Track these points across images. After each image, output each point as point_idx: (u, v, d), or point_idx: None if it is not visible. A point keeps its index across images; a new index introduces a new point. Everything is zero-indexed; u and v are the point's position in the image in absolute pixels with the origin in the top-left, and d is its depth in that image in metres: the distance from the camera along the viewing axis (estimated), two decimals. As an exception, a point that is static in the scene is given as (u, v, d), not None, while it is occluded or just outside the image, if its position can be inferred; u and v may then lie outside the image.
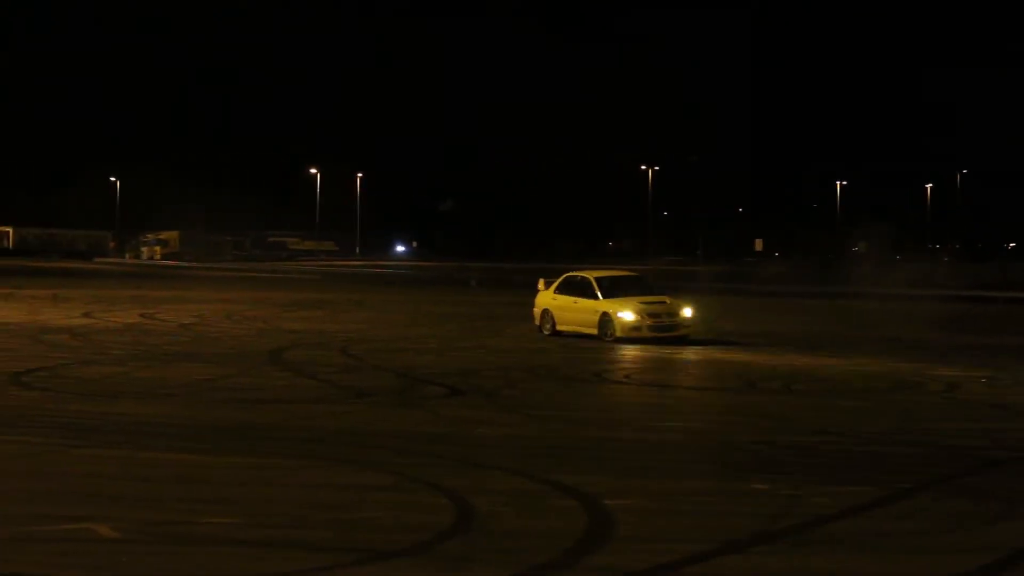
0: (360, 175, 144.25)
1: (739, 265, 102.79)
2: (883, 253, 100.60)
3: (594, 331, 34.11)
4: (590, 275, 36.18)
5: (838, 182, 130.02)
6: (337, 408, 20.01)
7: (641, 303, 34.18)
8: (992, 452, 16.76)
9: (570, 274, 36.86)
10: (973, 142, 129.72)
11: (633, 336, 33.49)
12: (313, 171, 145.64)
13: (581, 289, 35.39)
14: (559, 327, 35.48)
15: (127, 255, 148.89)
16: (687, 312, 34.54)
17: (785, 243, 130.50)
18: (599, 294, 34.64)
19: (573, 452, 16.09)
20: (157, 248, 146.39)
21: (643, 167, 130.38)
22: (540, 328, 36.15)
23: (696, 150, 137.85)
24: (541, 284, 36.97)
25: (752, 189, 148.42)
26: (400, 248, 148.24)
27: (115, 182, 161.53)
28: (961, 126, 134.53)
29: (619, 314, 33.72)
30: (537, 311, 36.70)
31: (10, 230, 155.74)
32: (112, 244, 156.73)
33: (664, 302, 34.80)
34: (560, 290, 36.03)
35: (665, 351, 31.59)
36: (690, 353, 31.21)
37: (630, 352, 31.29)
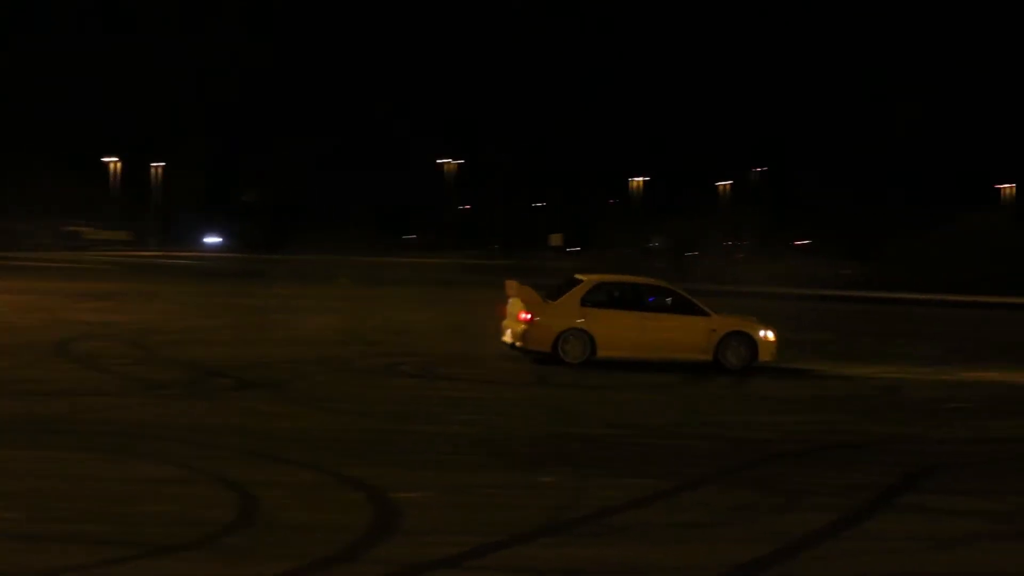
0: (162, 164, 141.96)
1: (535, 260, 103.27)
2: (680, 249, 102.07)
3: (703, 356, 26.70)
4: (657, 283, 29.28)
5: (637, 179, 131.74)
6: (125, 400, 19.62)
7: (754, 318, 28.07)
8: (777, 445, 17.10)
9: (609, 279, 28.62)
10: (767, 140, 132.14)
11: (767, 363, 26.98)
12: (112, 159, 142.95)
13: (633, 300, 27.46)
14: (608, 352, 26.73)
15: None
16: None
17: (584, 239, 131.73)
18: (704, 308, 27.27)
19: (363, 445, 16.03)
20: None
21: (441, 160, 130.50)
22: (557, 352, 26.56)
23: (498, 144, 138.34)
24: (513, 289, 27.90)
25: (552, 184, 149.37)
26: (211, 239, 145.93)
27: None
28: (755, 124, 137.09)
29: (763, 333, 26.96)
30: (540, 331, 26.74)
31: None
32: None
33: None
34: (599, 303, 27.15)
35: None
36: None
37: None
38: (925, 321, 51.09)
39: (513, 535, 11.20)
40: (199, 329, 34.62)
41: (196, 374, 23.30)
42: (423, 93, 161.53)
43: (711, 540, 11.35)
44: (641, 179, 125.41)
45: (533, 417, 19.11)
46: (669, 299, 27.48)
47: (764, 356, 26.68)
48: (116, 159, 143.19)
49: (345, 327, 36.48)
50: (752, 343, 26.51)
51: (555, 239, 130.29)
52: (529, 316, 26.64)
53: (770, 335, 26.78)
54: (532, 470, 14.48)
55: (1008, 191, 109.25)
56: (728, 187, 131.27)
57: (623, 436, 17.57)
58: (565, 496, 13.00)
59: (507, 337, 27.54)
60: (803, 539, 11.32)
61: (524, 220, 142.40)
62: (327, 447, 15.71)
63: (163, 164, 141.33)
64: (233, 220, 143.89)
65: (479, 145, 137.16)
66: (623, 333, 26.81)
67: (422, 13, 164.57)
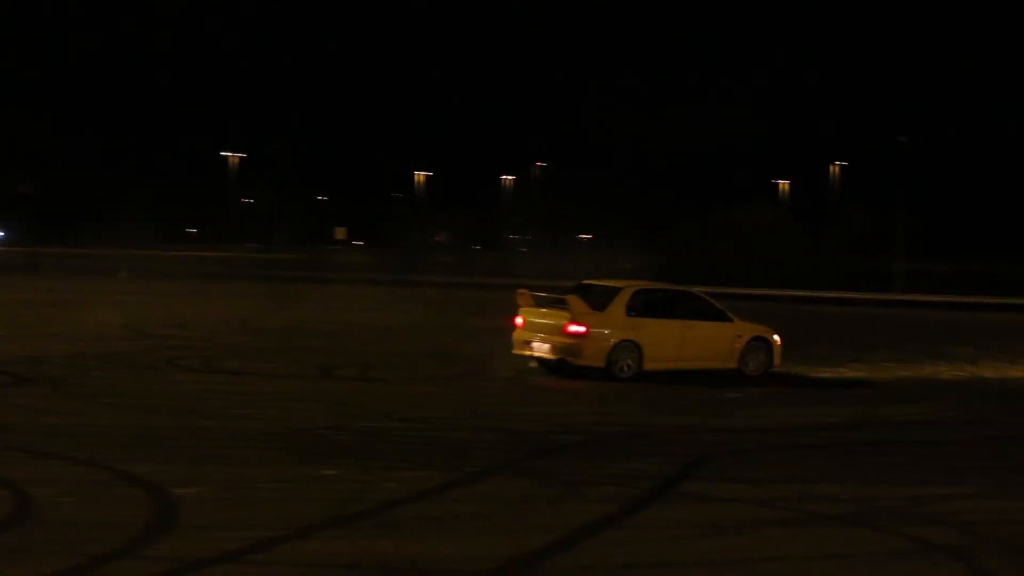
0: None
1: (320, 253, 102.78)
2: (464, 242, 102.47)
3: (729, 364, 25.59)
4: (684, 288, 27.62)
5: (421, 173, 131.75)
6: None
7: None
8: (558, 436, 17.25)
9: (646, 286, 26.34)
10: (550, 135, 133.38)
11: (777, 368, 26.29)
12: None
13: (669, 307, 25.56)
14: (654, 364, 24.76)
15: None
16: None
17: (368, 232, 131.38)
18: (728, 313, 26.24)
19: (143, 441, 15.75)
20: None
21: (223, 153, 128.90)
22: (611, 369, 24.29)
23: (281, 137, 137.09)
24: (524, 298, 25.70)
25: (337, 178, 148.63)
26: None
27: None
28: (540, 119, 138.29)
29: (775, 337, 26.18)
30: (594, 343, 24.30)
31: None
32: None
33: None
34: (640, 312, 25.04)
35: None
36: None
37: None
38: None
39: (295, 529, 11.12)
40: (-29, 324, 33.72)
41: (-32, 370, 22.68)
42: (206, 85, 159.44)
43: (493, 531, 11.40)
44: (425, 174, 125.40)
45: (315, 411, 19.00)
46: (698, 305, 25.86)
47: (776, 361, 25.89)
48: None
49: (125, 321, 35.86)
50: (770, 348, 25.59)
51: (339, 232, 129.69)
52: (583, 328, 23.95)
53: (778, 339, 25.89)
54: (314, 464, 14.39)
55: (784, 187, 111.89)
56: (512, 182, 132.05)
57: (405, 429, 17.57)
58: (347, 489, 12.95)
59: (536, 351, 24.82)
60: (584, 528, 11.43)
61: (308, 214, 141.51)
62: (105, 443, 15.43)
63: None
64: (10, 213, 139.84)
65: (263, 138, 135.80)
66: (668, 343, 24.86)
67: (202, 5, 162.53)
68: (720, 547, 11.10)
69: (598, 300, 24.60)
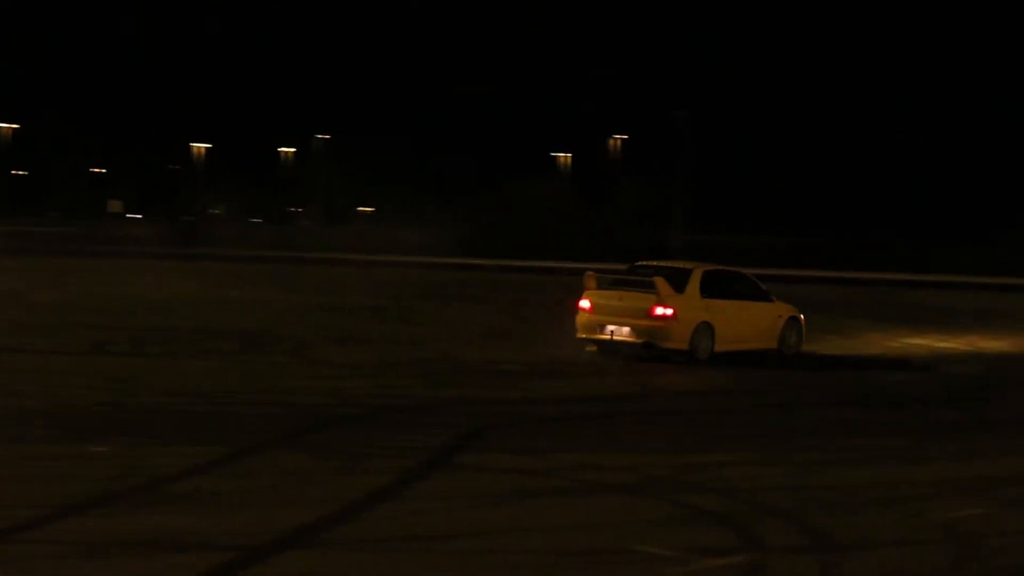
0: None
1: (94, 227, 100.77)
2: (243, 215, 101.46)
3: (771, 344, 25.32)
4: (733, 268, 27.41)
5: (199, 145, 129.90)
6: None
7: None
8: (337, 409, 17.24)
9: (711, 268, 25.78)
10: (329, 111, 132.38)
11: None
12: None
13: (729, 288, 25.28)
14: (724, 346, 24.43)
15: None
16: None
17: (146, 205, 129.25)
18: (770, 293, 26.00)
19: (-93, 419, 15.32)
20: None
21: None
22: (693, 353, 23.74)
23: (54, 108, 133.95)
24: (591, 280, 24.93)
25: (114, 150, 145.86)
26: None
27: None
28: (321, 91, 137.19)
29: (802, 316, 25.98)
30: (680, 326, 23.69)
31: None
32: None
33: None
34: (710, 293, 24.58)
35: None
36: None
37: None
38: (484, 286, 52.34)
39: (67, 507, 10.93)
40: None
41: None
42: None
43: (271, 505, 11.35)
44: (203, 145, 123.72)
45: (90, 387, 18.66)
46: (748, 286, 25.57)
47: (803, 340, 25.61)
48: None
49: None
50: (800, 328, 25.34)
51: (114, 206, 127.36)
52: (672, 311, 23.17)
53: (803, 318, 25.55)
54: (88, 441, 14.14)
55: (564, 160, 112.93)
56: (291, 154, 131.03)
57: (182, 404, 17.36)
58: (121, 466, 12.77)
59: (615, 335, 23.71)
60: (363, 500, 11.46)
61: (84, 186, 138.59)
62: None
63: None
64: None
65: (34, 109, 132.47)
66: (734, 324, 24.39)
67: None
68: (496, 517, 11.22)
69: (672, 282, 23.90)
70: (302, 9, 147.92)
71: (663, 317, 23.32)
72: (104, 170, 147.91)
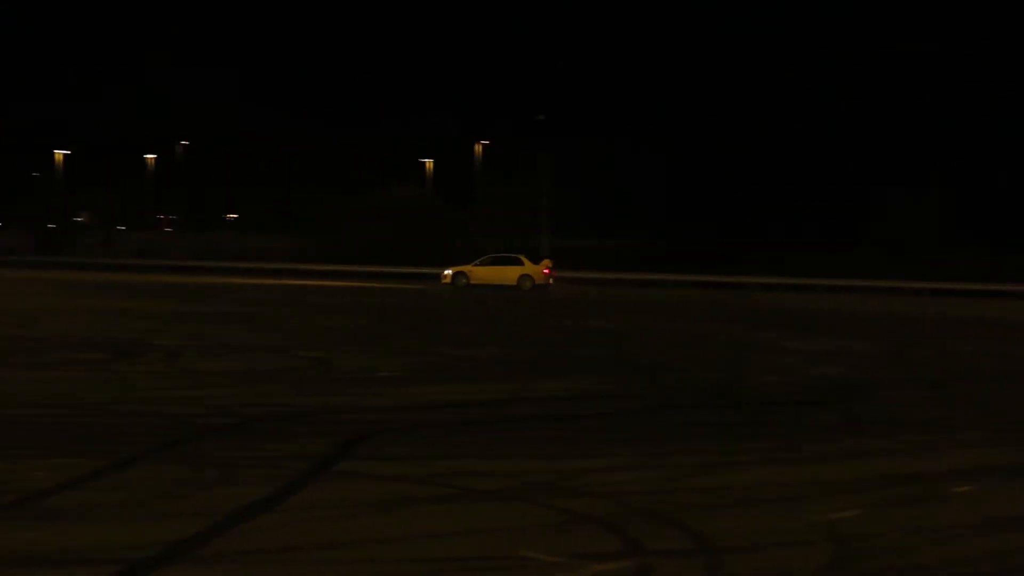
0: None
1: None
2: (108, 223, 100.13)
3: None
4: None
5: (59, 152, 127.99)
6: None
7: None
8: (210, 419, 17.04)
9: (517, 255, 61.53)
10: (189, 115, 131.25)
11: None
12: None
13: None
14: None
15: None
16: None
17: (8, 214, 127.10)
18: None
19: None
20: None
21: None
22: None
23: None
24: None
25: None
26: None
27: None
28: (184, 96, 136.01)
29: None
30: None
31: None
32: None
33: None
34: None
35: None
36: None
37: None
38: (349, 293, 52.20)
39: (-64, 523, 10.68)
40: None
41: None
42: None
43: (147, 518, 11.16)
44: (63, 152, 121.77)
45: (-45, 399, 18.29)
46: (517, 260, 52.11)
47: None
48: None
49: None
50: (532, 278, 42.92)
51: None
52: (547, 271, 51.95)
53: None
54: (-44, 454, 13.85)
55: (429, 166, 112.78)
56: (154, 160, 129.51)
57: (52, 415, 17.06)
58: (-8, 480, 12.51)
59: (466, 281, 52.85)
60: (239, 512, 11.30)
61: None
62: None
63: None
64: None
65: None
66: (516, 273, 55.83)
67: None
68: (376, 525, 11.14)
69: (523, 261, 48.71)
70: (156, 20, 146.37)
71: (546, 273, 43.11)
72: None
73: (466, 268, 60.38)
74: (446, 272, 60.59)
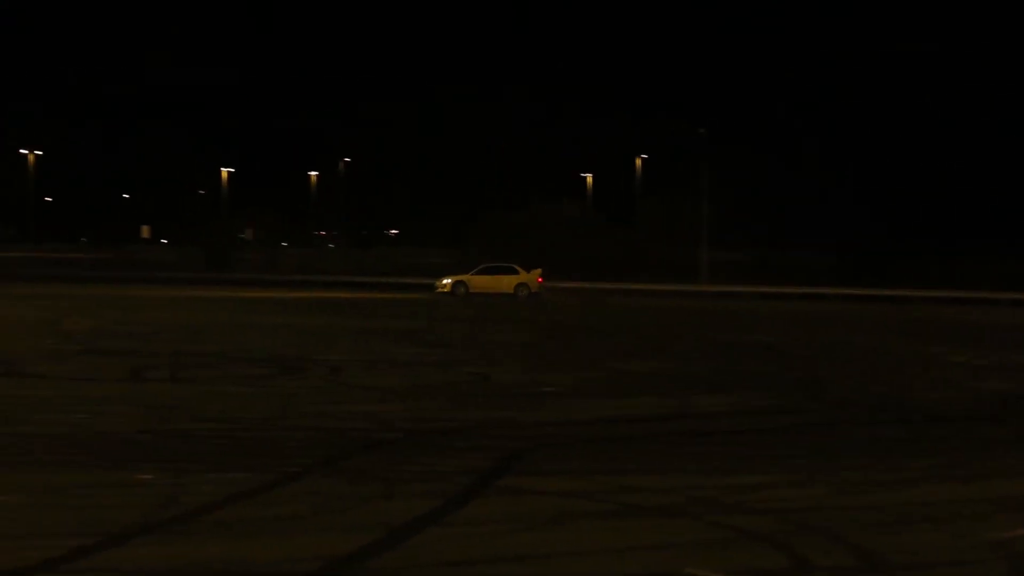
0: None
1: (125, 252, 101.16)
2: (271, 240, 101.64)
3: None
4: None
5: (225, 169, 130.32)
6: None
7: None
8: (374, 434, 17.17)
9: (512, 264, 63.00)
10: (361, 130, 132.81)
11: None
12: None
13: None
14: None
15: None
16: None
17: (174, 230, 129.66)
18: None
19: (-53, 449, 15.33)
20: None
21: (23, 151, 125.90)
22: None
23: (79, 132, 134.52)
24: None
25: (139, 174, 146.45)
26: None
27: None
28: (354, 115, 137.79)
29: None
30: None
31: None
32: None
33: None
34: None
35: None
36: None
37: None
38: (514, 307, 52.32)
39: (110, 536, 10.88)
40: None
41: None
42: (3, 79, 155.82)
43: (313, 532, 11.29)
44: (228, 170, 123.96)
45: (126, 414, 18.66)
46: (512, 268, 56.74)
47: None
48: None
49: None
50: (528, 286, 47.81)
51: (144, 231, 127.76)
52: (540, 279, 55.72)
53: None
54: (127, 468, 14.12)
55: (589, 180, 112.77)
56: (316, 178, 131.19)
57: (220, 430, 17.33)
58: (162, 494, 12.72)
59: (465, 290, 53.32)
60: (406, 526, 11.37)
61: (111, 212, 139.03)
62: (-93, 452, 14.96)
63: None
64: None
65: (64, 134, 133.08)
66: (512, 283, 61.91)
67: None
68: (539, 541, 11.13)
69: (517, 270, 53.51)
70: (322, 36, 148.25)
71: (539, 281, 50.61)
72: (130, 196, 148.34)
73: (465, 277, 62.01)
74: (445, 281, 62.12)
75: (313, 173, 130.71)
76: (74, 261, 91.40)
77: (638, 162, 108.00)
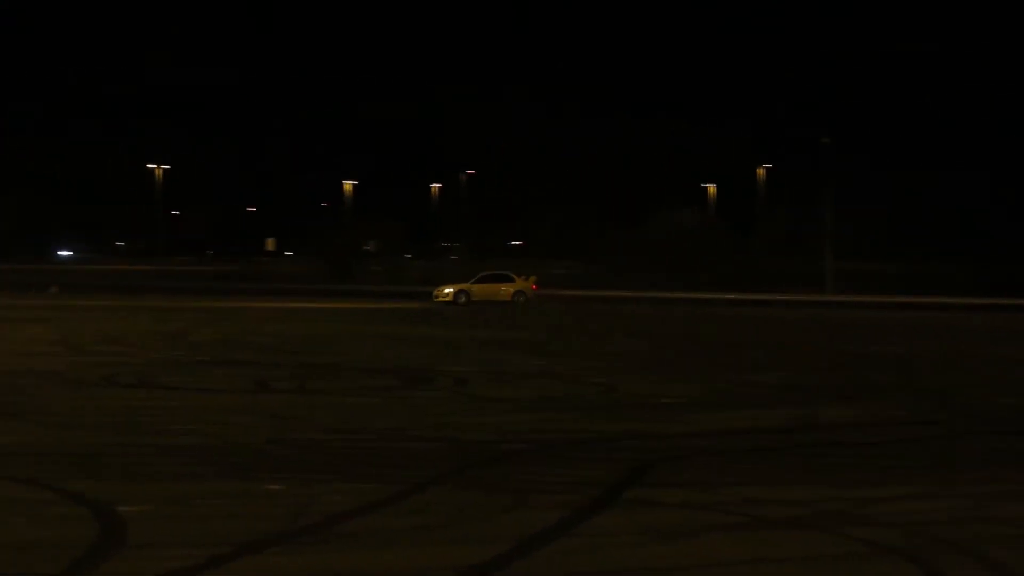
0: None
1: (251, 264, 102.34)
2: (395, 251, 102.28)
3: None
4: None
5: (348, 181, 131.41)
6: None
7: None
8: (502, 445, 17.25)
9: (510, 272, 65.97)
10: (480, 144, 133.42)
11: None
12: None
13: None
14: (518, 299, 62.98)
15: None
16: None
17: (298, 242, 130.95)
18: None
19: (84, 458, 15.62)
20: None
21: (150, 165, 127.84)
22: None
23: (205, 146, 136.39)
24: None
25: (264, 187, 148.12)
26: None
27: None
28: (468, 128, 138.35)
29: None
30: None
31: None
32: None
33: None
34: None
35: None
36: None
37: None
38: (636, 318, 52.20)
39: (242, 545, 11.04)
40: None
41: (-100, 390, 22.38)
42: (130, 96, 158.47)
43: (443, 542, 11.38)
44: (352, 183, 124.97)
45: (253, 424, 18.90)
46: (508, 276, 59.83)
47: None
48: None
49: (58, 337, 35.57)
50: (525, 293, 50.90)
51: (269, 244, 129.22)
52: (534, 287, 57.63)
53: None
54: (257, 478, 14.31)
55: (711, 190, 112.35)
56: (438, 189, 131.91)
57: (348, 441, 17.51)
58: (293, 503, 12.88)
59: (467, 298, 58.71)
60: (535, 537, 11.42)
61: (236, 224, 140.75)
62: (45, 461, 15.27)
63: None
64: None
65: (190, 148, 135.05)
66: (510, 291, 63.96)
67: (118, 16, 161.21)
68: (668, 553, 11.13)
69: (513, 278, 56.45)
70: (445, 51, 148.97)
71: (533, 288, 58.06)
72: (256, 208, 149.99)
73: (465, 286, 63.84)
74: (447, 290, 63.76)
75: (436, 185, 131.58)
76: (199, 274, 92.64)
77: (760, 171, 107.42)
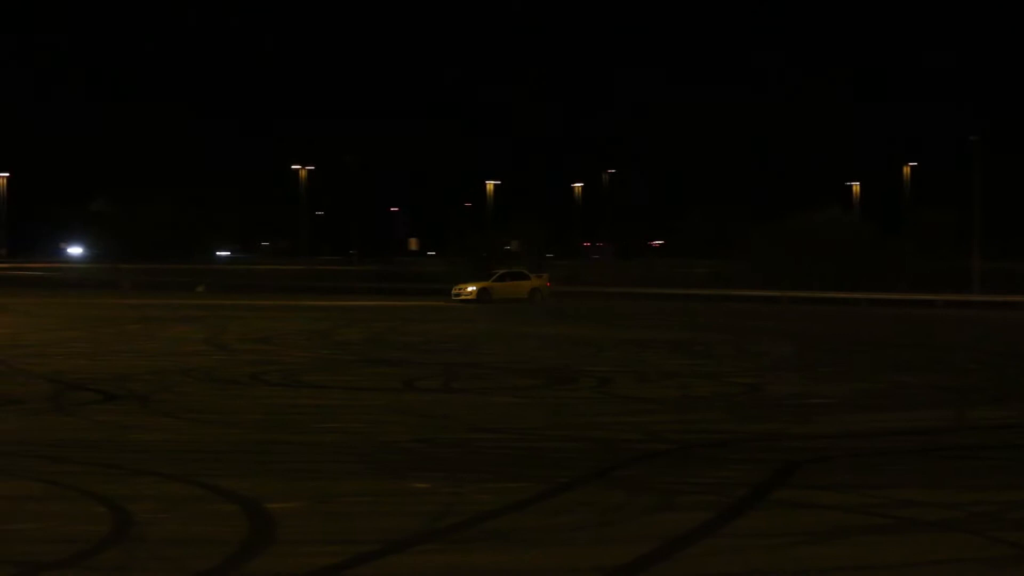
0: (6, 175, 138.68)
1: (395, 264, 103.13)
2: (537, 251, 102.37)
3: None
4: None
5: (490, 181, 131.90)
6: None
7: None
8: (646, 445, 17.21)
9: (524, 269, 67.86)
10: (625, 141, 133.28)
11: None
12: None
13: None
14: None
15: None
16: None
17: (440, 242, 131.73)
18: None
19: (233, 456, 15.88)
20: None
21: (295, 166, 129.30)
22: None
23: (351, 150, 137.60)
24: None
25: (406, 188, 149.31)
26: (73, 250, 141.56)
27: None
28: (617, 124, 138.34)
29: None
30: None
31: None
32: None
33: None
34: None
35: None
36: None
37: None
38: (779, 318, 51.79)
39: (390, 543, 11.14)
40: (56, 342, 34.07)
41: (58, 388, 22.89)
42: (273, 99, 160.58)
43: (589, 542, 11.38)
44: (494, 183, 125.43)
45: (401, 423, 19.05)
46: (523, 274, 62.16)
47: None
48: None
49: (206, 336, 36.14)
50: (542, 291, 53.06)
51: (412, 243, 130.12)
52: (548, 284, 59.15)
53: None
54: (404, 477, 14.42)
55: (856, 189, 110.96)
56: (581, 189, 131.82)
57: (492, 440, 17.58)
58: (439, 502, 12.96)
59: (489, 295, 59.03)
60: (681, 537, 11.38)
61: (379, 225, 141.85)
62: (196, 459, 15.53)
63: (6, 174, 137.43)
64: (83, 229, 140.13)
65: (332, 150, 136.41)
66: (527, 287, 65.53)
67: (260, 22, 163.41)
68: (817, 555, 11.03)
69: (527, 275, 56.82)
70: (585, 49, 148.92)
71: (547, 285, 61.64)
72: (398, 208, 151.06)
73: (487, 284, 65.14)
74: (470, 288, 64.74)
75: (578, 184, 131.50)
76: (343, 273, 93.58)
77: (906, 170, 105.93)
